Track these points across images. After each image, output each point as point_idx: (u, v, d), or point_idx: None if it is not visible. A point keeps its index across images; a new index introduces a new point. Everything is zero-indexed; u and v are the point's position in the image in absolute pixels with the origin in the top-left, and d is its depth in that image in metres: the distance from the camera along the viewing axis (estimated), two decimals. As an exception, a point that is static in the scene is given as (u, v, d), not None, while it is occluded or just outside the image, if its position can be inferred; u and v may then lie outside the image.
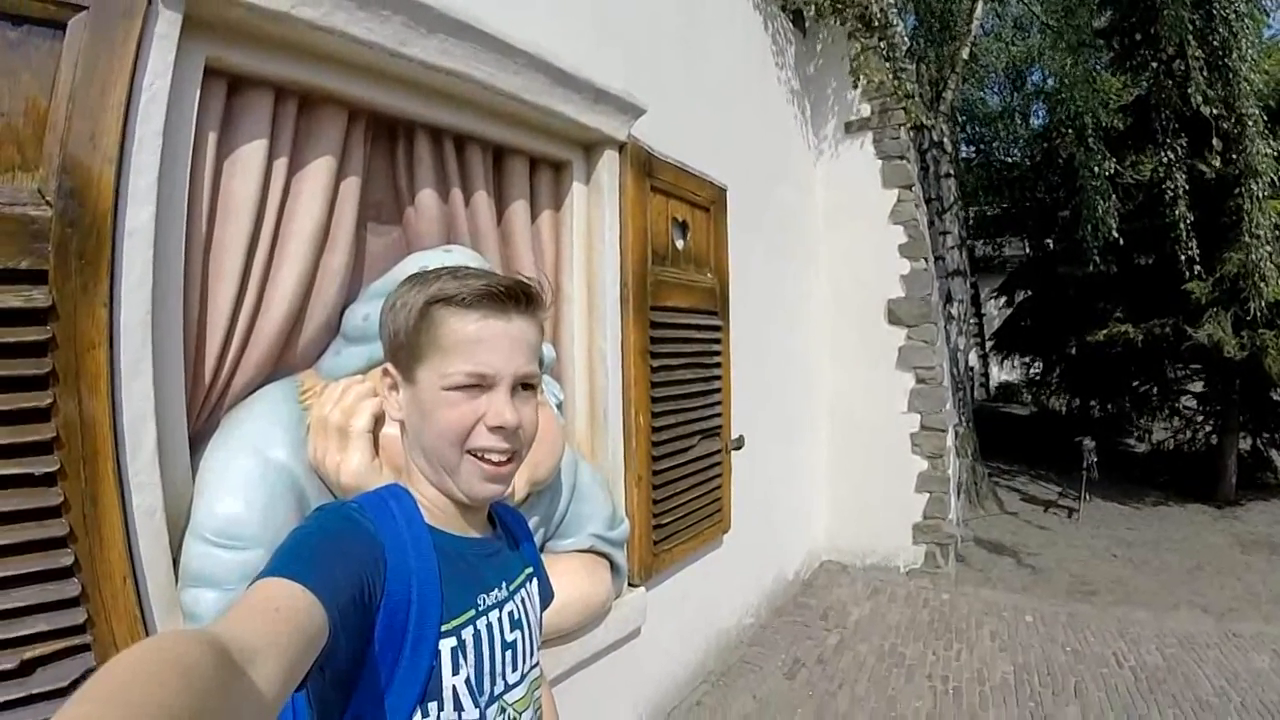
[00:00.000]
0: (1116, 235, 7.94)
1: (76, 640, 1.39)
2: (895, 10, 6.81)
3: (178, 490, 1.67)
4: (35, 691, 1.32)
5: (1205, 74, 7.22)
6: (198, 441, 1.79)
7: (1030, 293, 12.81)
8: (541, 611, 1.24)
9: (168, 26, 1.54)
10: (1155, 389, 10.86)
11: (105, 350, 1.45)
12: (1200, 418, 10.70)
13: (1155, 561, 6.51)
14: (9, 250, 1.31)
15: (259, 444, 1.81)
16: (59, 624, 1.37)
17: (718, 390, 3.92)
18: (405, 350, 0.98)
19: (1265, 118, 7.27)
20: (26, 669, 1.32)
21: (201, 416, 1.82)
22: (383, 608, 0.88)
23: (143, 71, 1.49)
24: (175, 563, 1.63)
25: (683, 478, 3.55)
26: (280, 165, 1.95)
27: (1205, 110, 7.25)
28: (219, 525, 1.65)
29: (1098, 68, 8.89)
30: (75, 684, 1.35)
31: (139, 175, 1.50)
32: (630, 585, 3.12)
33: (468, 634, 0.99)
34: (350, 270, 2.16)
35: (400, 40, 2.02)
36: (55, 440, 1.37)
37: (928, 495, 5.82)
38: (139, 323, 1.52)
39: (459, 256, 2.13)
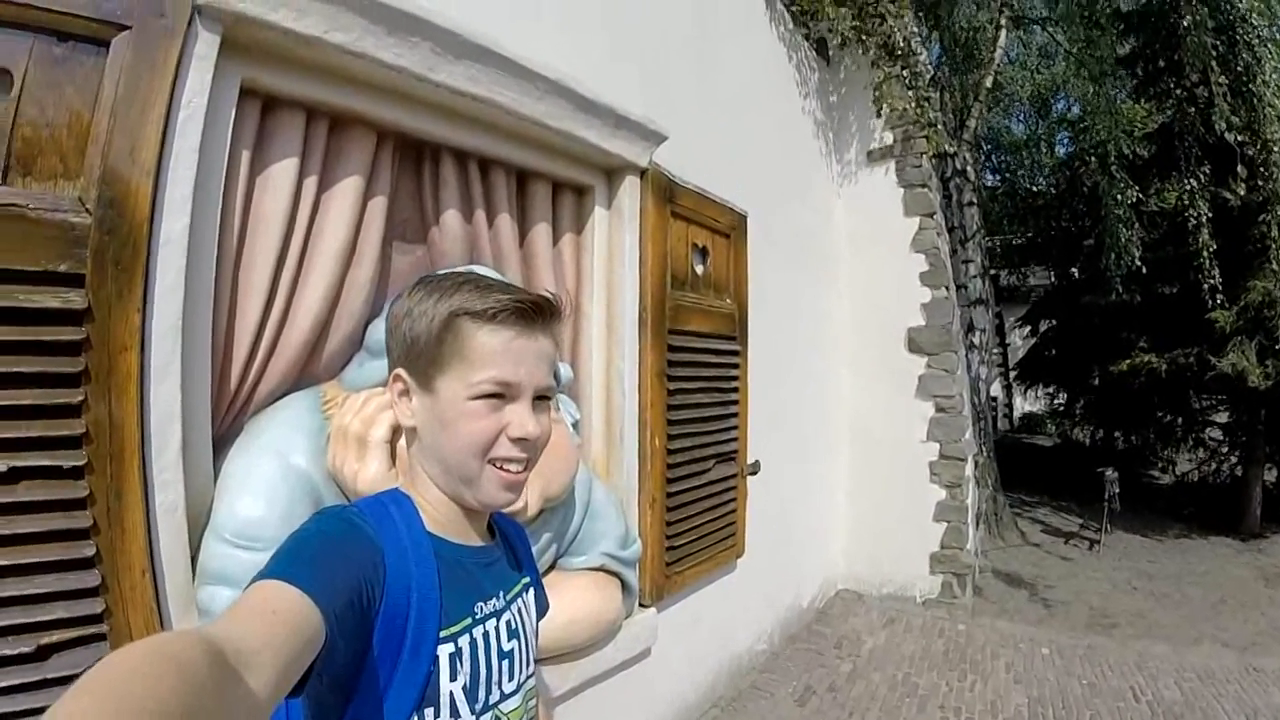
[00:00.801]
0: (1139, 264, 7.87)
1: (93, 629, 1.44)
2: (919, 39, 6.85)
3: (199, 490, 1.73)
4: (50, 676, 1.38)
5: (1229, 100, 7.17)
6: (221, 444, 1.85)
7: (1054, 322, 12.68)
8: (537, 623, 1.24)
9: (206, 48, 1.63)
10: (1179, 420, 10.68)
11: (136, 353, 1.51)
12: (1225, 449, 10.52)
13: (1177, 595, 6.40)
14: (49, 254, 1.39)
15: (281, 449, 1.88)
16: (77, 612, 1.43)
17: (734, 415, 3.93)
18: (424, 359, 0.97)
19: (1291, 144, 7.18)
20: (43, 654, 1.38)
21: (226, 420, 1.89)
22: (381, 612, 0.88)
23: (181, 90, 1.58)
24: (193, 560, 1.69)
25: (697, 500, 3.56)
26: (310, 183, 2.02)
27: (1229, 137, 7.21)
28: (238, 526, 1.71)
29: (1121, 95, 8.87)
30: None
31: (175, 188, 1.58)
32: (641, 605, 3.13)
33: (465, 641, 0.99)
34: (375, 286, 2.23)
35: (428, 66, 2.10)
36: (84, 436, 1.44)
37: (945, 525, 5.76)
38: (170, 328, 1.59)
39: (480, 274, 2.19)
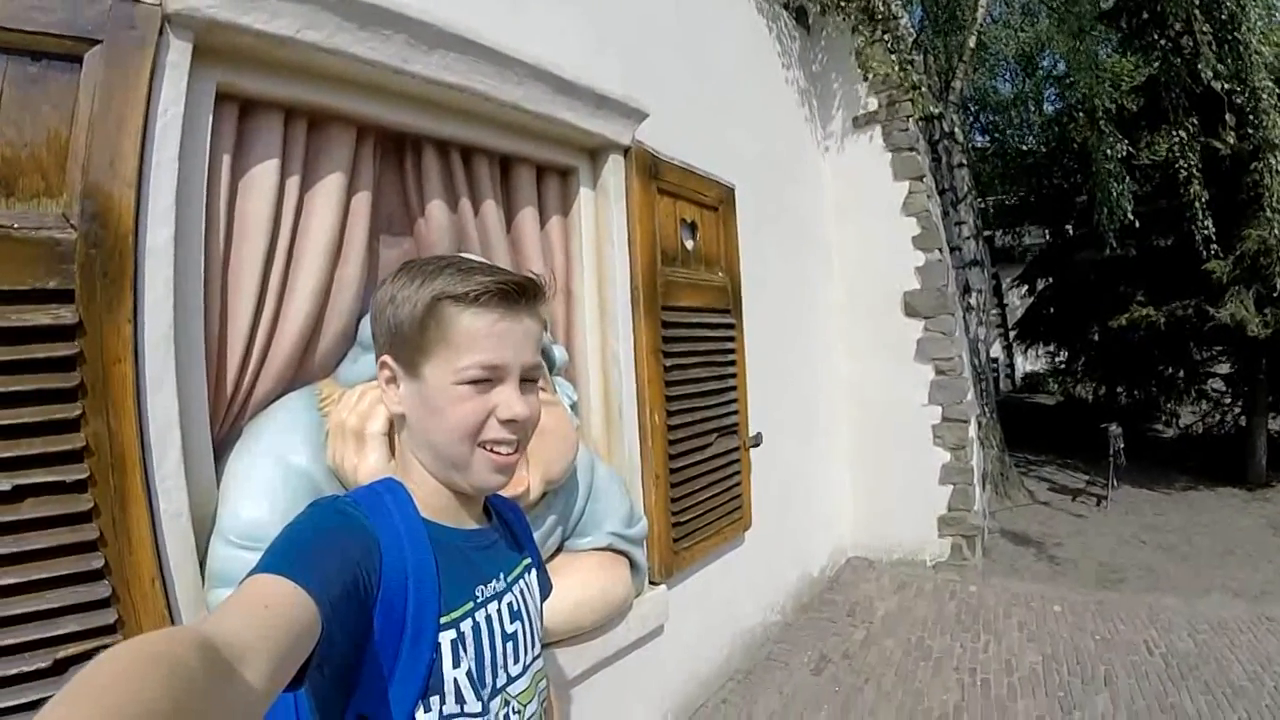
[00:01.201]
0: (1132, 218, 7.80)
1: (108, 640, 1.46)
2: (900, 2, 6.79)
3: (203, 495, 1.75)
4: (68, 691, 1.39)
5: (1214, 49, 7.09)
6: (222, 448, 1.87)
7: (1051, 280, 12.62)
8: (541, 603, 1.24)
9: (179, 56, 1.63)
10: (1181, 372, 10.67)
11: (130, 364, 1.53)
12: (1228, 400, 10.54)
13: (1185, 547, 6.42)
14: (37, 271, 1.40)
15: (281, 450, 1.89)
16: (90, 624, 1.45)
17: (733, 388, 3.95)
18: (409, 345, 0.97)
19: (1279, 90, 7.10)
20: (60, 668, 1.40)
21: (225, 425, 1.90)
22: (379, 601, 0.88)
23: (157, 99, 1.58)
24: (201, 564, 1.71)
25: (700, 475, 3.57)
26: (293, 183, 2.03)
27: (1216, 86, 7.13)
28: (243, 528, 1.73)
29: (1106, 50, 8.76)
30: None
31: (157, 198, 1.59)
32: (651, 583, 3.16)
33: (467, 626, 0.99)
34: (364, 281, 2.23)
35: (403, 58, 2.10)
36: (85, 449, 1.45)
37: (951, 487, 5.77)
38: (162, 337, 1.60)
39: (468, 260, 2.20)
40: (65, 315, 1.43)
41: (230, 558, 1.71)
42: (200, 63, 1.69)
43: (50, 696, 1.26)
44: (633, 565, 2.86)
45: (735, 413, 3.96)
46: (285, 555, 0.81)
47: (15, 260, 1.37)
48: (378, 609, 0.88)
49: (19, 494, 1.38)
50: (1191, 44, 7.28)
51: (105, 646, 1.39)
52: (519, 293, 0.98)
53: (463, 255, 1.11)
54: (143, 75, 1.53)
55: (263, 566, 0.78)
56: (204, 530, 1.74)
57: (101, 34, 1.48)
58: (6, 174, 1.39)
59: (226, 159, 1.86)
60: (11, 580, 1.37)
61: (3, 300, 1.37)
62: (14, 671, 1.36)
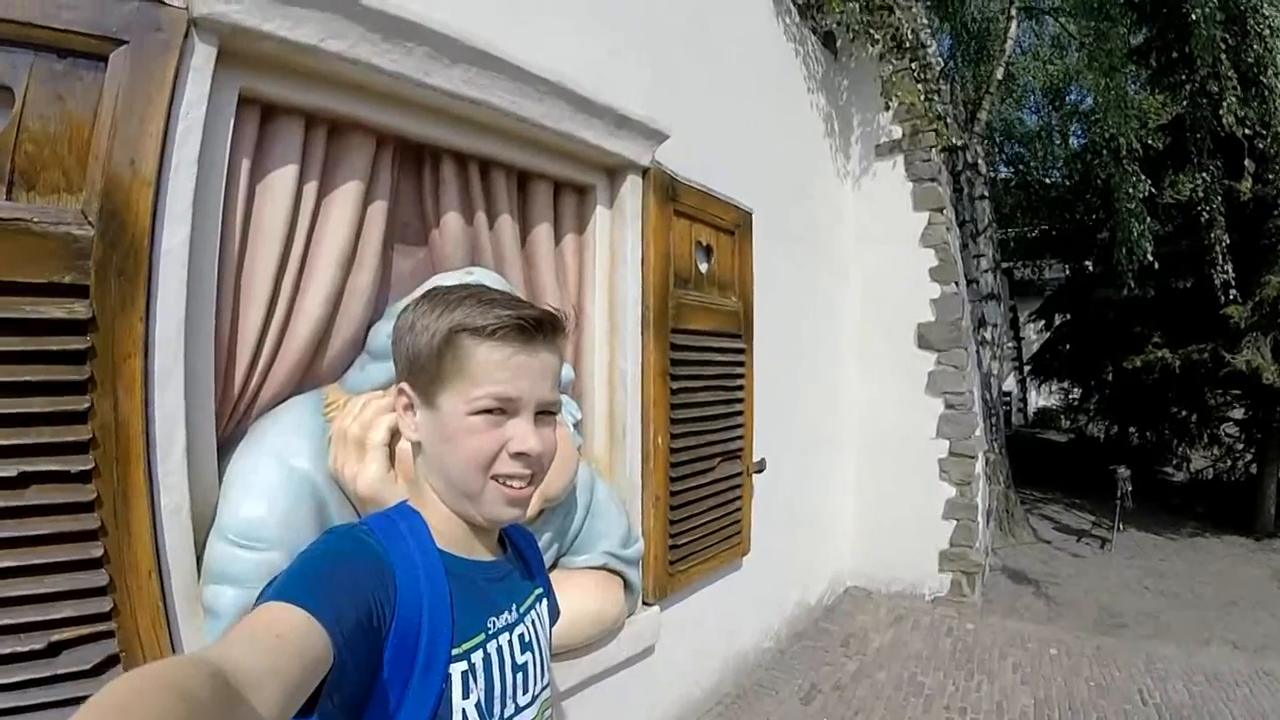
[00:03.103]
0: (1152, 259, 7.72)
1: (101, 627, 1.49)
2: (929, 31, 6.79)
3: (204, 492, 1.77)
4: (60, 672, 1.43)
5: (1238, 93, 7.02)
6: (225, 447, 1.89)
7: (1068, 316, 12.59)
8: (551, 629, 1.25)
9: (203, 60, 1.66)
10: (1194, 416, 10.54)
11: (140, 360, 1.55)
12: (1240, 446, 10.40)
13: (1188, 594, 6.34)
14: (53, 266, 1.43)
15: (283, 452, 1.91)
16: (86, 611, 1.47)
17: (740, 413, 3.94)
18: (426, 374, 0.98)
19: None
20: (53, 650, 1.43)
21: (230, 424, 1.92)
22: (392, 631, 0.88)
23: (180, 101, 1.62)
24: (199, 560, 1.73)
25: (701, 499, 3.56)
26: (310, 189, 2.06)
27: (1237, 131, 7.08)
28: (242, 527, 1.75)
29: (1135, 87, 8.72)
30: (97, 668, 1.46)
31: (175, 198, 1.62)
32: (645, 604, 3.15)
33: (478, 657, 0.99)
34: (376, 290, 2.26)
35: (424, 70, 2.13)
36: (91, 441, 1.48)
37: (955, 523, 5.74)
38: (173, 335, 1.63)
39: (480, 278, 2.21)
40: (79, 310, 1.46)
41: (227, 555, 1.73)
42: (224, 67, 1.73)
43: (44, 677, 1.29)
44: (627, 585, 2.87)
45: (740, 437, 3.95)
46: (300, 583, 0.82)
47: (32, 254, 1.41)
48: (390, 639, 0.88)
49: (24, 480, 1.40)
50: (1217, 87, 7.24)
51: (99, 632, 1.44)
52: (536, 328, 0.98)
53: (485, 286, 1.12)
54: (166, 77, 1.57)
55: (276, 593, 0.78)
56: (203, 526, 1.76)
57: (127, 35, 1.51)
58: (28, 168, 1.42)
59: (246, 162, 1.89)
60: (11, 563, 1.39)
61: (18, 292, 1.40)
62: (8, 651, 1.38)
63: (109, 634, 1.50)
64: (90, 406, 1.48)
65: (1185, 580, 6.77)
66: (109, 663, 1.49)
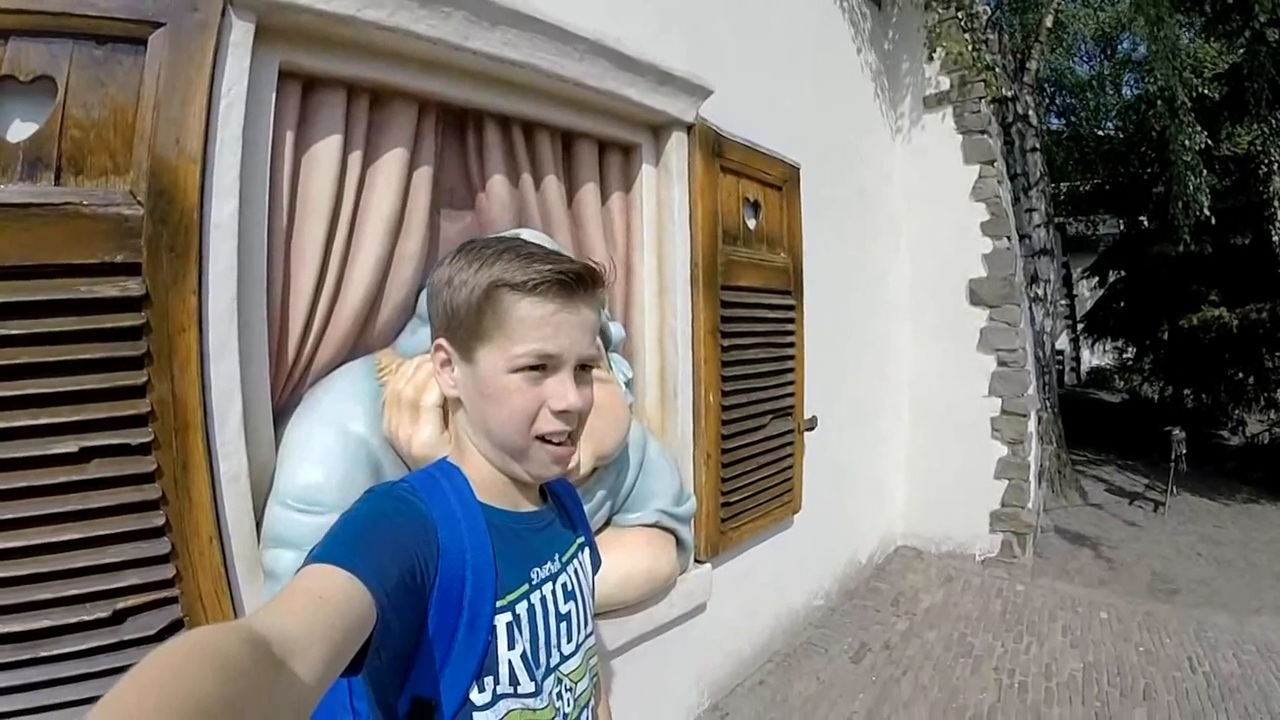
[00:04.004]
0: (1209, 213, 7.37)
1: (165, 594, 1.56)
2: (975, -22, 6.51)
3: (261, 459, 1.83)
4: (126, 638, 1.50)
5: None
6: (281, 415, 1.94)
7: (1123, 273, 12.20)
8: (593, 578, 1.25)
9: (242, 35, 1.68)
10: (1251, 378, 10.19)
11: (195, 333, 1.60)
12: (1299, 409, 9.98)
13: (1241, 562, 6.14)
14: (106, 246, 1.48)
15: (339, 418, 1.96)
16: (150, 579, 1.54)
17: (790, 370, 3.91)
18: (464, 329, 0.96)
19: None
20: (119, 618, 1.50)
21: (285, 392, 1.98)
22: (436, 586, 0.88)
23: (220, 78, 1.64)
24: (258, 525, 1.79)
25: (752, 457, 3.56)
26: (355, 158, 2.08)
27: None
28: (300, 492, 1.80)
29: (1189, 34, 8.24)
30: (161, 634, 1.53)
31: (222, 174, 1.65)
32: (696, 562, 3.18)
33: (522, 608, 0.99)
34: (425, 255, 2.28)
35: (463, 35, 2.12)
36: (150, 414, 1.54)
37: (1006, 482, 5.63)
38: (225, 308, 1.67)
39: (527, 238, 2.22)
40: (132, 287, 1.50)
41: (286, 520, 1.78)
42: (262, 42, 1.74)
43: (111, 644, 1.35)
44: (679, 543, 2.88)
45: (791, 395, 3.92)
46: (342, 545, 0.81)
47: (85, 236, 1.45)
48: (434, 595, 0.88)
49: (85, 455, 1.47)
50: (1277, 34, 6.81)
51: (162, 599, 1.51)
52: (577, 282, 0.96)
53: (522, 239, 1.10)
54: (206, 56, 1.59)
55: (318, 556, 0.78)
56: (261, 493, 1.82)
57: (165, 17, 1.53)
58: (75, 154, 1.47)
59: (290, 135, 1.91)
60: (76, 535, 1.46)
61: (73, 273, 1.45)
62: (75, 620, 1.46)
63: (172, 600, 1.57)
64: (147, 381, 1.53)
65: (1238, 547, 6.56)
66: (173, 628, 1.55)
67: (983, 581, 5.37)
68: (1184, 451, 8.07)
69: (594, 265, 1.00)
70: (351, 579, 0.74)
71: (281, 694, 0.58)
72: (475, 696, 0.93)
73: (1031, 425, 5.79)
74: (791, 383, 3.92)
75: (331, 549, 0.79)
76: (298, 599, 0.70)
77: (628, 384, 2.75)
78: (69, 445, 1.44)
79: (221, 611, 1.63)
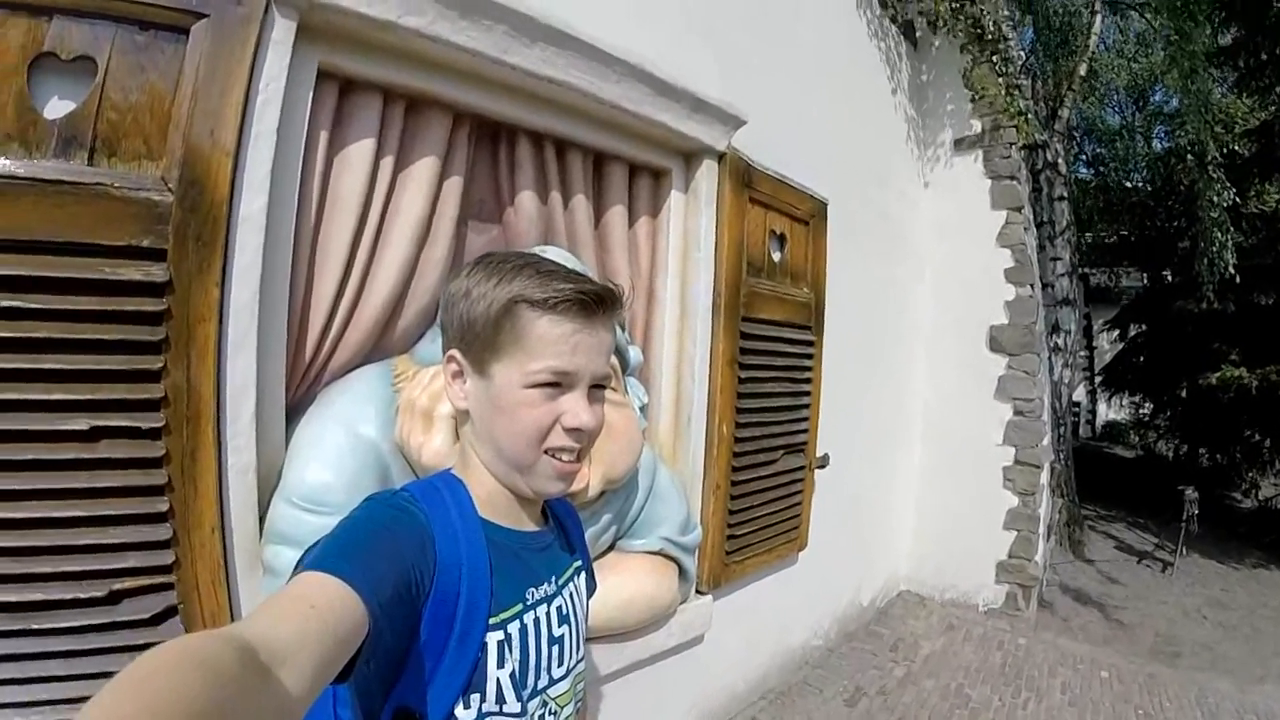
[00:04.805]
0: (1234, 271, 7.30)
1: (162, 579, 1.55)
2: (1011, 23, 6.53)
3: (271, 455, 1.82)
4: (119, 619, 1.49)
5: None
6: (294, 412, 1.94)
7: (1144, 327, 12.08)
8: (588, 605, 1.24)
9: (283, 33, 1.70)
10: (1268, 441, 9.95)
11: (214, 324, 1.61)
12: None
13: (1247, 628, 6.00)
14: (133, 229, 1.49)
15: (351, 420, 1.95)
16: (148, 563, 1.54)
17: (806, 405, 3.88)
18: (480, 343, 0.96)
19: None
20: (114, 598, 1.49)
21: (300, 389, 1.98)
22: (430, 599, 0.88)
23: (259, 74, 1.66)
24: (261, 520, 1.78)
25: (761, 491, 3.52)
26: (387, 163, 2.09)
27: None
28: (306, 491, 1.80)
29: (1221, 90, 8.22)
30: (156, 618, 1.52)
31: (254, 168, 1.67)
32: (698, 593, 3.14)
33: (515, 628, 0.99)
34: (449, 264, 2.28)
35: (502, 49, 2.14)
36: (163, 400, 1.54)
37: (1015, 533, 5.53)
38: (247, 301, 1.68)
39: (552, 255, 2.22)
40: (156, 273, 1.51)
41: (290, 517, 1.78)
42: (303, 41, 1.76)
43: (104, 623, 1.35)
44: (682, 572, 2.86)
45: (805, 431, 3.89)
46: (337, 552, 0.81)
47: (112, 217, 1.46)
48: (428, 606, 0.88)
49: (95, 434, 1.47)
50: None
51: (159, 584, 1.50)
52: (597, 303, 0.97)
53: (541, 255, 1.10)
54: (246, 50, 1.61)
55: (313, 563, 0.78)
56: (268, 488, 1.81)
57: (208, 8, 1.56)
58: (110, 135, 1.48)
59: (324, 135, 1.93)
60: (79, 513, 1.46)
61: (98, 254, 1.46)
62: (70, 596, 1.45)
63: (169, 586, 1.56)
64: (163, 366, 1.54)
65: (1245, 613, 6.42)
66: (168, 613, 1.55)
67: (984, 632, 5.27)
68: (1196, 512, 7.92)
69: (613, 286, 1.00)
70: (345, 588, 0.74)
71: (269, 701, 0.58)
72: (460, 712, 0.93)
73: (1044, 477, 5.70)
74: (806, 419, 3.89)
75: (326, 556, 0.79)
76: (290, 607, 0.70)
77: (642, 409, 2.73)
78: (79, 423, 1.44)
79: (217, 602, 1.62)
